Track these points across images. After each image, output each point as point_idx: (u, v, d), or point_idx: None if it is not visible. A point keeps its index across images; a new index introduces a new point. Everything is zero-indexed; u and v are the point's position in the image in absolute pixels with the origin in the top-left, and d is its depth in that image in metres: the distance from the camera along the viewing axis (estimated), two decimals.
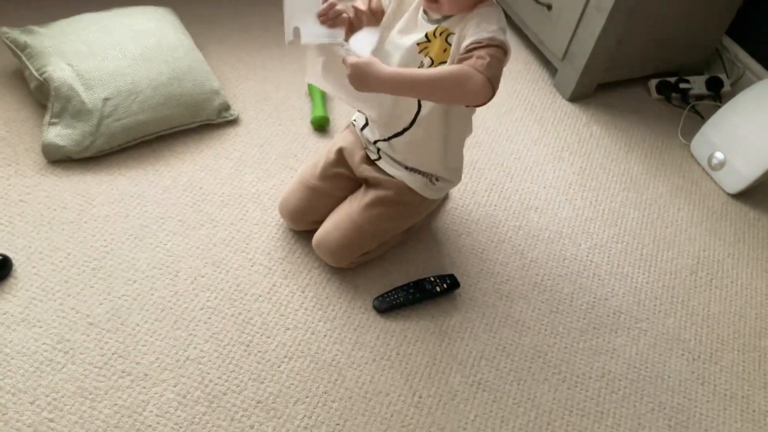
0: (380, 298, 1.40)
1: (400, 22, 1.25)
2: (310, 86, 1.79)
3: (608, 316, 1.50)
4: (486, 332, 1.41)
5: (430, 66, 1.21)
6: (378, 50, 1.22)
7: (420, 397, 1.29)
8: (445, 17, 1.19)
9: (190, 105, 1.58)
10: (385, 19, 1.26)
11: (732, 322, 1.54)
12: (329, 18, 1.16)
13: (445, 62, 1.19)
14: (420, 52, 1.22)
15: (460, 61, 1.11)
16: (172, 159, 1.56)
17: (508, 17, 2.12)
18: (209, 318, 1.32)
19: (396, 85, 1.10)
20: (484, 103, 1.12)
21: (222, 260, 1.41)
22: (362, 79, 1.09)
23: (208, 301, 1.34)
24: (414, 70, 1.13)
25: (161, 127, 1.56)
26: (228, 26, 1.92)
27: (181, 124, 1.59)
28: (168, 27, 1.67)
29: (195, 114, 1.60)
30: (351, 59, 1.09)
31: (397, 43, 1.24)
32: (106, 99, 1.49)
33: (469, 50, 1.10)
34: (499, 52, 1.09)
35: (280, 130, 1.69)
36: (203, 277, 1.37)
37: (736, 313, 1.56)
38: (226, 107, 1.66)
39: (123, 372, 1.23)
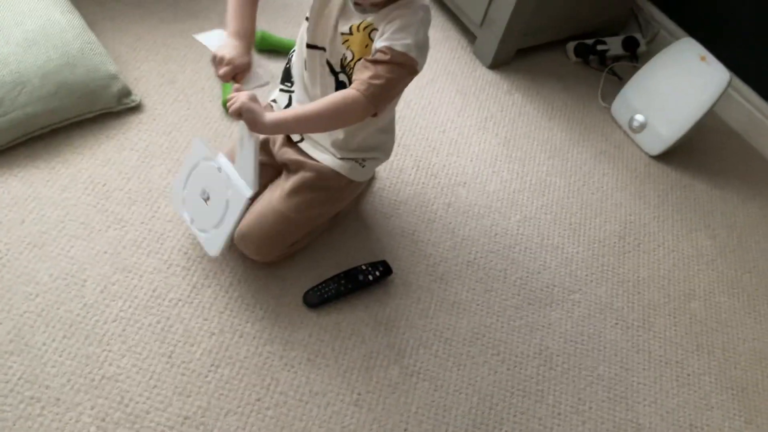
0: (310, 292, 1.32)
1: (335, 3, 1.15)
2: None
3: (542, 290, 1.48)
4: (422, 318, 1.36)
5: (352, 59, 1.14)
6: (316, 20, 1.18)
7: (359, 394, 1.23)
8: (372, 9, 1.11)
9: (85, 93, 1.43)
10: None
11: (661, 286, 1.55)
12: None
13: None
14: (343, 43, 1.13)
15: (362, 66, 1.10)
16: (70, 154, 1.42)
17: None
18: (124, 330, 1.21)
19: (282, 129, 1.18)
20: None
21: (134, 264, 1.29)
22: (253, 124, 1.09)
23: (121, 311, 1.23)
24: (298, 109, 1.17)
25: (54, 119, 1.41)
26: (121, 1, 1.75)
27: (77, 115, 1.44)
28: (54, 7, 1.50)
29: (92, 103, 1.45)
30: (245, 103, 1.08)
31: (330, 25, 1.15)
32: None
33: (375, 60, 1.08)
34: (400, 73, 1.09)
35: (189, 115, 1.57)
36: (114, 284, 1.25)
37: (665, 277, 1.57)
38: (127, 93, 1.51)
39: (31, 398, 1.11)
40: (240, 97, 1.07)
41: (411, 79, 1.13)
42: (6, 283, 1.22)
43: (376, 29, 1.12)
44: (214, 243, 1.21)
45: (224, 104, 1.58)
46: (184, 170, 1.25)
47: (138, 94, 1.55)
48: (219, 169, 1.18)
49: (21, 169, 1.37)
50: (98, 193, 1.37)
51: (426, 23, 1.14)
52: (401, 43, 1.08)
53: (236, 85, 1.12)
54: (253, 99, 1.08)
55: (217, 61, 1.13)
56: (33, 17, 1.44)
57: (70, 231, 1.31)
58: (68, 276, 1.25)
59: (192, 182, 1.24)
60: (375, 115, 1.13)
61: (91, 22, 1.63)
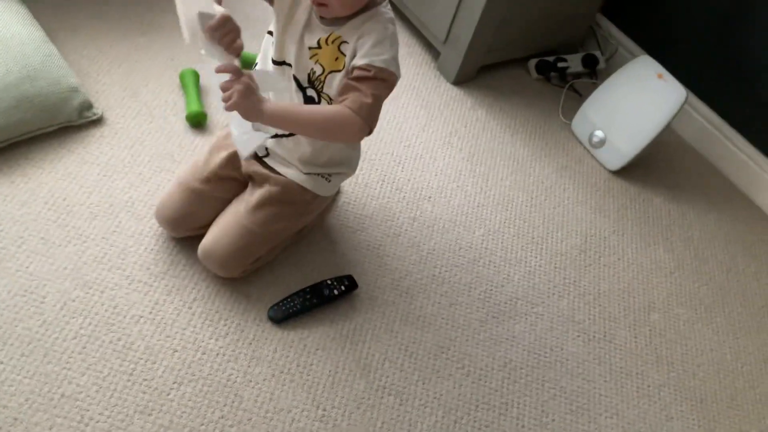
0: (275, 308, 1.32)
1: (300, 17, 1.15)
2: (182, 78, 1.65)
3: (506, 303, 1.49)
4: (387, 332, 1.37)
5: (322, 73, 1.14)
6: (281, 36, 1.15)
7: (324, 410, 1.23)
8: (338, 22, 1.13)
9: (46, 106, 1.41)
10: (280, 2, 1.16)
11: (622, 299, 1.58)
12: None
13: (337, 71, 1.14)
14: (311, 58, 1.14)
15: (346, 87, 1.11)
16: (30, 168, 1.39)
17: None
18: (84, 347, 1.18)
19: (276, 122, 1.10)
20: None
21: (94, 280, 1.27)
22: (250, 102, 1.03)
23: (81, 328, 1.20)
24: (297, 107, 1.15)
25: (14, 133, 1.38)
26: (82, 13, 1.73)
27: (38, 129, 1.42)
28: (14, 19, 1.48)
29: (52, 116, 1.43)
30: (246, 75, 1.02)
31: (295, 40, 1.16)
32: None
33: (357, 77, 1.10)
34: (384, 88, 1.13)
35: (152, 129, 1.55)
36: (74, 301, 1.23)
37: (625, 290, 1.60)
38: (88, 106, 1.50)
39: None
40: (240, 81, 1.02)
41: (390, 92, 1.16)
42: None
43: (345, 42, 1.13)
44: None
45: (189, 118, 1.58)
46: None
47: (100, 107, 1.54)
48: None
49: None
50: (58, 208, 1.35)
51: (396, 37, 1.17)
52: (380, 59, 1.11)
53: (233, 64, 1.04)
54: (250, 82, 1.04)
55: (220, 21, 1.01)
56: None
57: (29, 247, 1.28)
58: (27, 293, 1.22)
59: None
60: (370, 132, 1.15)
61: (53, 35, 1.61)
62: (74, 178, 1.41)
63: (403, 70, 1.91)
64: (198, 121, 1.58)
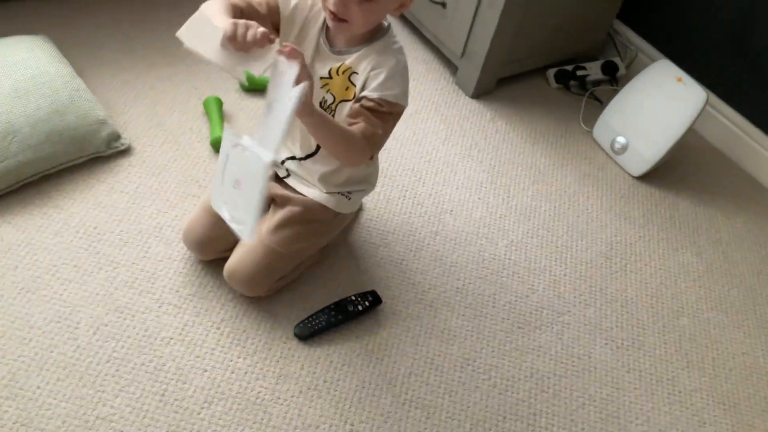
0: (301, 325, 1.34)
1: (308, 46, 1.18)
2: (206, 105, 1.70)
3: (531, 313, 1.49)
4: (413, 346, 1.38)
5: (333, 102, 1.18)
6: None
7: (352, 425, 1.24)
8: (347, 50, 1.16)
9: (75, 139, 1.47)
10: (286, 29, 1.18)
11: (650, 305, 1.57)
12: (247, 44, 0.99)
13: (347, 100, 1.17)
14: (322, 87, 1.18)
15: (357, 112, 1.13)
16: (61, 199, 1.45)
17: (403, 17, 2.10)
18: (117, 370, 1.22)
19: (319, 120, 1.07)
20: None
21: (126, 304, 1.31)
22: (309, 102, 1.02)
23: (114, 351, 1.24)
24: (328, 115, 1.15)
25: (45, 166, 1.44)
26: (109, 48, 1.80)
27: (68, 161, 1.47)
28: (44, 56, 1.54)
29: (82, 148, 1.48)
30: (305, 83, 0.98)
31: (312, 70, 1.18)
32: None
33: (370, 108, 1.13)
34: (393, 120, 1.17)
35: (178, 155, 1.60)
36: (107, 325, 1.27)
37: (653, 295, 1.59)
38: (116, 137, 1.55)
39: None
40: (309, 76, 0.99)
41: (398, 121, 1.20)
42: (1, 329, 1.24)
43: (355, 72, 1.16)
44: (246, 228, 1.06)
45: (213, 144, 1.62)
46: (219, 166, 1.09)
47: (127, 137, 1.59)
48: (243, 148, 1.02)
49: (14, 216, 1.40)
50: (90, 236, 1.40)
51: (406, 68, 1.19)
52: (392, 93, 1.14)
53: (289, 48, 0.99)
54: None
55: (241, 27, 0.98)
56: (22, 68, 1.48)
57: (62, 274, 1.33)
58: (61, 319, 1.27)
59: (226, 175, 1.08)
60: (371, 159, 1.19)
61: (82, 70, 1.67)
62: (104, 206, 1.46)
63: (421, 86, 1.96)
64: None
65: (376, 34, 1.16)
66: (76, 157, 1.48)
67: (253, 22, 0.98)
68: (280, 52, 0.98)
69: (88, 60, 1.75)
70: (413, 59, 2.04)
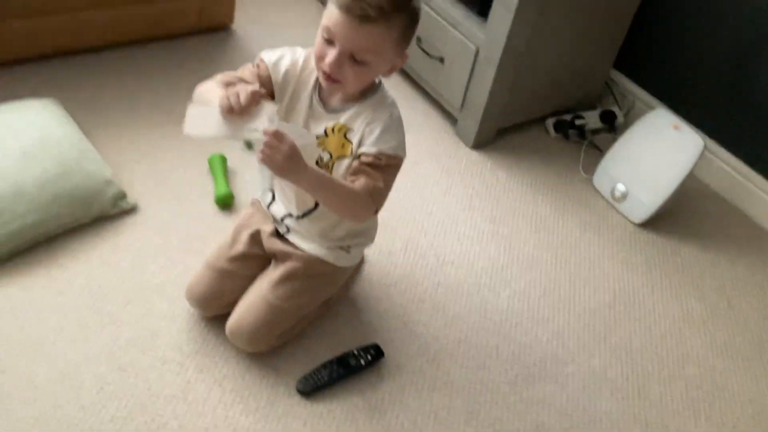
0: (304, 380, 1.34)
1: (301, 107, 1.22)
2: (210, 162, 1.73)
3: (535, 364, 1.49)
4: (416, 400, 1.37)
5: (329, 159, 1.21)
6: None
7: None
8: (341, 108, 1.19)
9: (82, 199, 1.50)
10: (280, 94, 1.23)
11: (655, 353, 1.56)
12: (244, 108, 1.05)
13: (344, 156, 1.20)
14: (318, 145, 1.21)
15: (358, 170, 1.16)
16: (67, 259, 1.47)
17: (404, 72, 2.15)
18: (120, 429, 1.22)
19: (318, 179, 1.12)
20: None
21: (129, 363, 1.32)
22: (294, 163, 1.05)
23: (117, 410, 1.25)
24: (327, 174, 1.19)
25: (52, 227, 1.46)
26: (116, 108, 1.85)
27: (74, 221, 1.50)
28: (52, 119, 1.58)
29: (88, 208, 1.51)
30: (291, 140, 1.04)
31: (303, 130, 1.22)
32: None
33: (369, 164, 1.16)
34: (393, 173, 1.20)
35: (182, 212, 1.63)
36: (110, 384, 1.28)
37: (657, 344, 1.58)
38: (122, 196, 1.58)
39: None
40: (286, 144, 1.03)
41: (398, 173, 1.23)
42: (5, 389, 1.24)
43: (350, 129, 1.19)
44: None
45: (217, 200, 1.65)
46: None
47: (133, 196, 1.62)
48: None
49: (21, 276, 1.42)
50: (94, 295, 1.42)
51: (401, 120, 1.23)
52: (389, 146, 1.18)
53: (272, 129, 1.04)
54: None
55: (233, 96, 1.04)
56: (30, 131, 1.52)
57: (67, 334, 1.34)
58: (65, 379, 1.28)
59: None
60: (376, 212, 1.21)
61: (89, 130, 1.71)
62: (109, 265, 1.48)
63: (422, 138, 1.99)
64: (226, 203, 1.65)
65: (368, 91, 1.20)
66: (82, 218, 1.51)
67: (240, 85, 1.05)
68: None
69: (96, 120, 1.79)
70: (414, 112, 2.08)
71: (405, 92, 2.14)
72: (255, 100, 1.04)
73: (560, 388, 1.45)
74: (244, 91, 1.03)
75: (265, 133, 1.03)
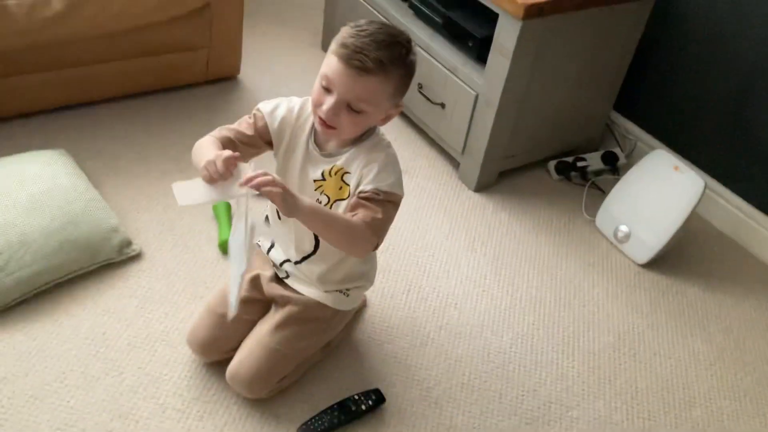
0: (304, 427, 1.34)
1: (299, 152, 1.25)
2: (215, 209, 1.76)
3: (539, 408, 1.48)
4: None
5: (327, 203, 1.24)
6: (281, 174, 1.22)
7: None
8: (337, 152, 1.22)
9: (87, 247, 1.53)
10: (277, 141, 1.26)
11: (660, 396, 1.54)
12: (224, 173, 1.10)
13: (342, 200, 1.22)
14: (316, 189, 1.24)
15: (356, 204, 1.18)
16: (73, 306, 1.49)
17: (406, 117, 2.19)
18: None
19: (314, 210, 1.14)
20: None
21: (130, 410, 1.32)
22: (291, 202, 1.08)
23: None
24: (325, 208, 1.21)
25: (58, 274, 1.49)
26: (125, 158, 1.89)
27: (80, 269, 1.53)
28: (60, 170, 1.63)
29: (93, 256, 1.54)
30: (280, 183, 1.07)
31: (295, 175, 1.26)
32: None
33: (367, 198, 1.18)
34: (392, 208, 1.21)
35: (187, 259, 1.65)
36: None
37: (663, 386, 1.56)
38: (127, 243, 1.61)
39: None
40: (277, 185, 1.06)
41: (397, 211, 1.24)
42: None
43: (348, 172, 1.21)
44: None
45: (221, 245, 1.67)
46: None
47: (138, 243, 1.65)
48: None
49: (26, 324, 1.44)
50: (98, 342, 1.43)
51: (396, 158, 1.25)
52: (386, 183, 1.20)
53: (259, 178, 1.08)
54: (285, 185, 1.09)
55: (211, 166, 1.10)
56: (39, 181, 1.56)
57: (70, 381, 1.36)
58: (67, 426, 1.28)
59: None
60: (376, 247, 1.22)
61: (98, 179, 1.76)
62: (113, 312, 1.50)
63: (425, 182, 2.01)
64: None
65: (364, 135, 1.23)
66: (88, 265, 1.54)
67: (219, 153, 1.09)
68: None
69: (104, 169, 1.83)
70: (417, 156, 2.10)
71: (408, 137, 2.17)
72: (230, 164, 1.09)
73: (564, 431, 1.44)
74: (219, 160, 1.08)
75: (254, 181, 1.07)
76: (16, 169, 1.59)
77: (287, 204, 1.08)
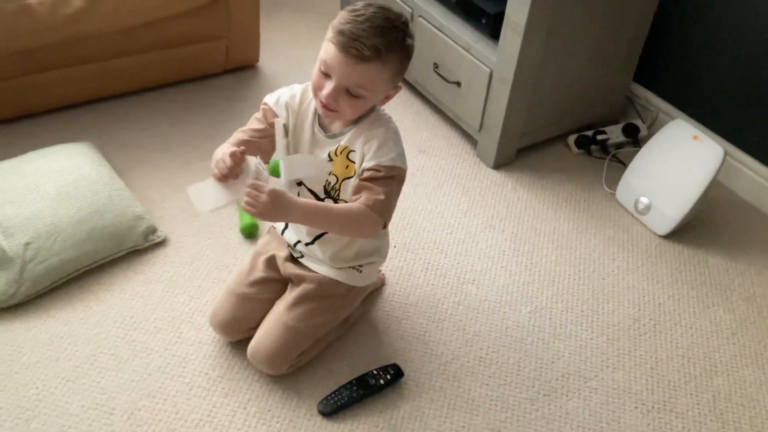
0: (325, 401, 1.38)
1: (305, 136, 1.29)
2: None
3: (557, 380, 1.49)
4: (437, 418, 1.39)
5: (336, 182, 1.27)
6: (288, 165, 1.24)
7: None
8: (341, 132, 1.25)
9: (114, 235, 1.59)
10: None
11: (681, 365, 1.54)
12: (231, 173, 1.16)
13: (349, 178, 1.26)
14: None
15: (359, 187, 1.21)
16: (101, 292, 1.55)
17: (423, 97, 2.20)
18: None
19: (308, 214, 1.19)
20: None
21: (158, 389, 1.38)
22: (279, 206, 1.13)
23: None
24: (321, 204, 1.24)
25: (86, 262, 1.55)
26: (149, 149, 1.95)
27: (107, 256, 1.59)
28: (85, 161, 1.69)
29: (120, 243, 1.60)
30: (269, 187, 1.12)
31: (309, 158, 1.29)
32: (27, 244, 1.49)
33: (369, 178, 1.21)
34: (395, 184, 1.23)
35: (210, 244, 1.70)
36: (140, 410, 1.34)
37: (684, 356, 1.56)
38: (153, 230, 1.66)
39: None
40: (266, 193, 1.11)
41: (402, 185, 1.26)
42: (42, 417, 1.32)
43: (352, 150, 1.24)
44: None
45: (242, 230, 1.72)
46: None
47: (163, 230, 1.70)
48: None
49: (58, 310, 1.51)
50: (126, 325, 1.49)
51: (398, 132, 1.28)
52: (387, 158, 1.22)
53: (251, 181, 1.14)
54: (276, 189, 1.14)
55: (219, 164, 1.16)
56: (65, 173, 1.62)
57: (100, 363, 1.42)
58: (98, 406, 1.34)
59: None
60: (385, 226, 1.25)
61: (123, 170, 1.82)
62: (141, 296, 1.55)
63: (443, 161, 2.03)
64: (251, 233, 1.72)
65: (365, 113, 1.26)
66: (115, 252, 1.60)
67: (225, 151, 1.15)
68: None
69: (130, 161, 1.89)
70: (435, 135, 2.12)
71: (425, 116, 2.19)
72: (236, 159, 1.14)
73: (583, 402, 1.45)
74: (225, 157, 1.13)
75: (249, 186, 1.12)
76: (43, 162, 1.65)
77: (273, 215, 1.15)
